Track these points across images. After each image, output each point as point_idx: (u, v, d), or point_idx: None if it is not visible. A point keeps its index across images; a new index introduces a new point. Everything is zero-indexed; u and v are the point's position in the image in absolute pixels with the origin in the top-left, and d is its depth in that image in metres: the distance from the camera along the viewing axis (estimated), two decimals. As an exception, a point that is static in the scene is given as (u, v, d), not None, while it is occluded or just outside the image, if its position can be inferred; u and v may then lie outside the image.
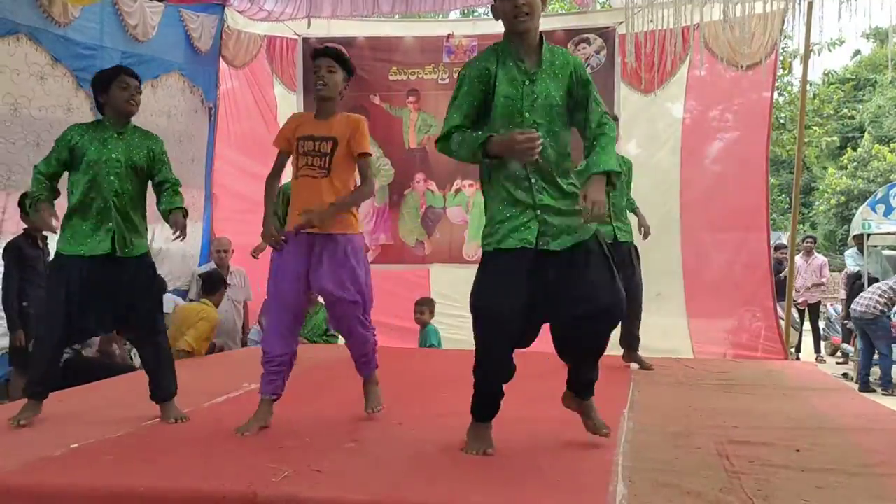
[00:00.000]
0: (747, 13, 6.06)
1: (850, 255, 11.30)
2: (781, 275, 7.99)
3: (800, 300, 9.74)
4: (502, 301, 2.48)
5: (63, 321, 3.07)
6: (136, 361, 5.33)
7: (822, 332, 10.64)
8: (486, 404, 2.69)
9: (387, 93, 7.50)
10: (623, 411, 3.39)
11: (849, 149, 21.03)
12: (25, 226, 4.81)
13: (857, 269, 10.41)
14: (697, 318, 6.69)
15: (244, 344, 6.49)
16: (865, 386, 8.16)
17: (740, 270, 6.70)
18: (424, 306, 6.15)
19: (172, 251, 6.81)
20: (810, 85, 12.99)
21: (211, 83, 7.35)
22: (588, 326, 2.55)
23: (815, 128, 16.06)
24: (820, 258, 10.53)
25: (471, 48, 7.37)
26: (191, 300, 6.60)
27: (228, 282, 6.53)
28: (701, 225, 6.69)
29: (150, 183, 3.31)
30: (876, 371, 8.51)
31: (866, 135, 21.12)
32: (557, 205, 2.54)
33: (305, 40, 7.54)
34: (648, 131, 7.06)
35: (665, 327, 6.32)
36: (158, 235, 6.56)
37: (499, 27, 8.12)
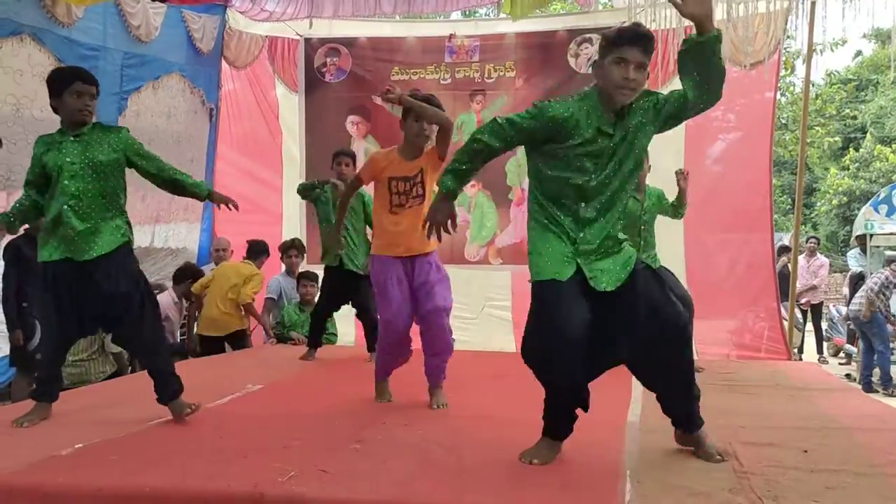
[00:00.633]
0: (750, 12, 6.06)
1: (853, 255, 11.31)
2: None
3: (802, 301, 9.72)
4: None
5: (56, 324, 3.08)
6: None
7: (824, 333, 10.63)
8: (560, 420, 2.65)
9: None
10: (628, 413, 3.37)
11: (851, 149, 21.02)
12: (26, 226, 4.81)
13: (859, 269, 10.40)
14: (700, 319, 6.63)
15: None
16: (868, 387, 8.15)
17: (743, 271, 6.69)
18: None
19: (173, 252, 6.83)
20: (813, 85, 12.99)
21: (212, 84, 7.35)
22: (657, 347, 2.48)
23: (817, 128, 16.05)
24: (820, 259, 10.50)
25: (472, 48, 7.37)
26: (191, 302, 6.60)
27: None
28: (704, 226, 6.68)
29: (131, 177, 3.26)
30: (877, 371, 8.51)
31: (868, 135, 21.11)
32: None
33: (307, 41, 7.54)
34: (650, 132, 7.04)
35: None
36: (157, 236, 6.58)
37: (501, 27, 8.08)
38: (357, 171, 4.03)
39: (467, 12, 11.58)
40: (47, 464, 2.50)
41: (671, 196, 4.93)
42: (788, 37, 6.75)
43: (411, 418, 3.21)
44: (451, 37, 7.39)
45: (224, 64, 7.48)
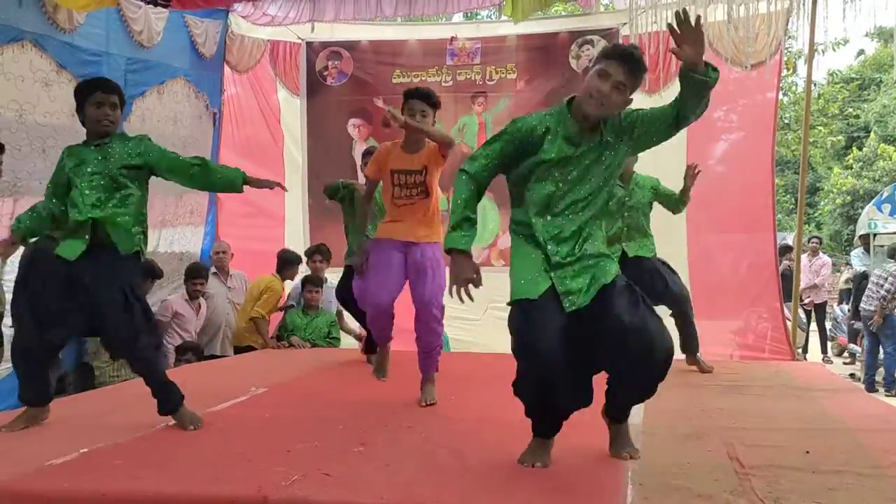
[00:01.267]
0: (751, 13, 6.06)
1: (857, 255, 11.30)
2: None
3: (805, 300, 9.71)
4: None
5: (45, 324, 3.06)
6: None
7: (828, 333, 10.62)
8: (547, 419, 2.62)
9: (390, 96, 7.50)
10: (631, 413, 3.37)
11: (854, 148, 20.96)
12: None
13: (863, 269, 10.38)
14: (703, 320, 6.65)
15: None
16: (871, 386, 8.14)
17: (746, 271, 6.68)
18: None
19: (178, 256, 6.84)
20: (815, 85, 12.96)
21: (215, 88, 7.38)
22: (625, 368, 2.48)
23: (819, 128, 16.04)
24: (822, 259, 10.48)
25: (474, 51, 7.38)
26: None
27: (229, 285, 6.55)
28: (706, 226, 6.67)
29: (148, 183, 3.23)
30: (880, 371, 8.50)
31: (872, 134, 21.05)
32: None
33: (309, 44, 7.56)
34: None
35: (671, 328, 6.30)
36: (163, 239, 6.59)
37: (502, 29, 8.09)
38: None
39: (469, 14, 11.60)
40: (51, 469, 2.51)
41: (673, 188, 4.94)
42: (790, 37, 6.74)
43: (415, 421, 3.22)
44: (452, 39, 7.40)
45: (226, 68, 7.50)
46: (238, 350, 6.14)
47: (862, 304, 8.64)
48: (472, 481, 2.39)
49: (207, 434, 3.04)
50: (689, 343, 4.82)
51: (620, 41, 6.98)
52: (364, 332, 5.31)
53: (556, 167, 2.50)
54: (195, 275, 6.15)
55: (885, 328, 8.27)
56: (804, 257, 9.31)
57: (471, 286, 2.56)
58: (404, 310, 4.06)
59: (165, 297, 6.26)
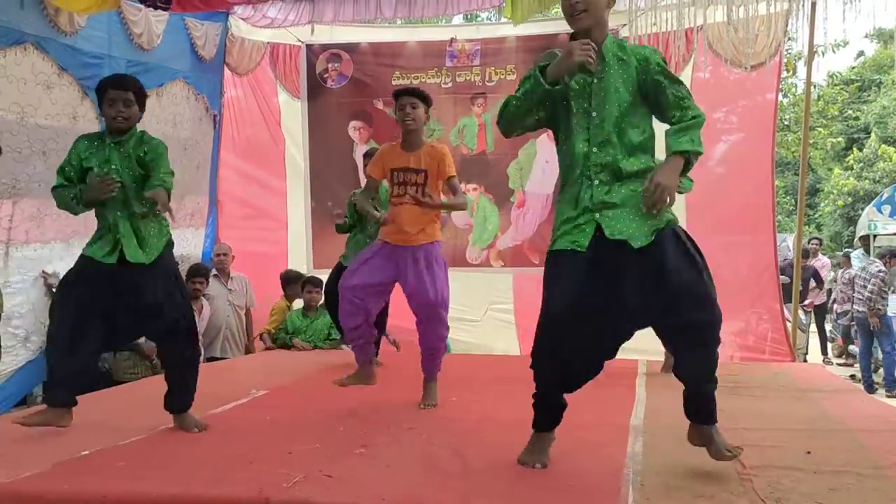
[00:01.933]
0: (751, 14, 6.06)
1: (857, 256, 11.29)
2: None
3: (805, 301, 9.72)
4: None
5: (79, 323, 3.04)
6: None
7: (828, 334, 10.62)
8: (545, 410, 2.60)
9: (390, 98, 7.47)
10: (631, 415, 3.38)
11: (854, 149, 20.97)
12: None
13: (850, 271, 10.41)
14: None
15: (248, 351, 6.49)
16: (870, 387, 8.15)
17: (746, 272, 6.68)
18: None
19: (180, 258, 6.83)
20: (814, 86, 12.97)
21: (215, 91, 7.38)
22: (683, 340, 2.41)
23: (819, 129, 16.03)
24: (822, 260, 10.47)
25: (473, 52, 7.39)
26: None
27: (230, 287, 6.55)
28: (706, 227, 6.65)
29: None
30: (880, 372, 8.51)
31: (872, 135, 21.06)
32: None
33: (309, 47, 7.57)
34: (652, 133, 7.06)
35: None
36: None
37: (501, 31, 8.10)
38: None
39: (468, 16, 11.61)
40: (52, 471, 2.52)
41: None
42: (789, 38, 6.75)
43: (416, 422, 3.22)
44: (451, 41, 7.41)
45: (226, 70, 7.51)
46: None
47: (854, 306, 8.68)
48: (474, 482, 2.39)
49: (209, 436, 3.05)
50: None
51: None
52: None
53: (575, 98, 2.54)
54: (195, 274, 6.16)
55: (881, 328, 8.29)
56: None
57: None
58: (405, 310, 4.06)
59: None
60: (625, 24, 6.77)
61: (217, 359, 6.14)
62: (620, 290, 2.37)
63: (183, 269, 6.56)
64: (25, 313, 5.13)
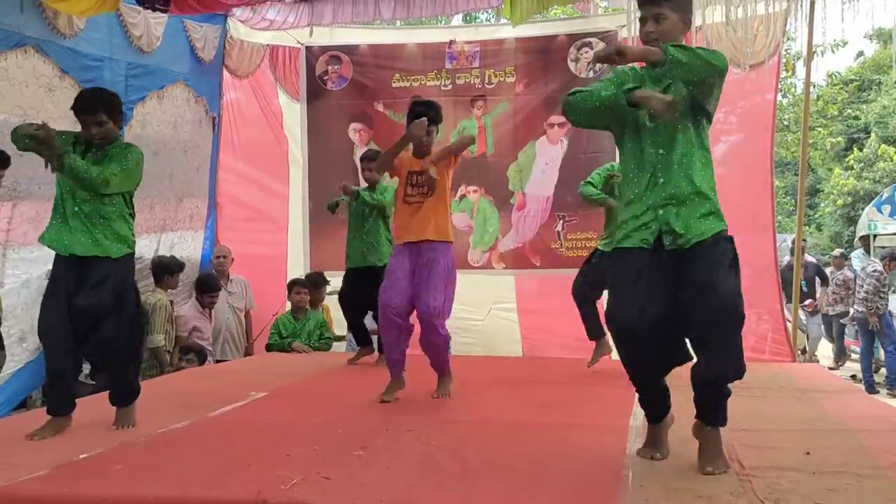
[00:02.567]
0: (749, 14, 6.06)
1: (857, 256, 11.30)
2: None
3: (806, 303, 9.70)
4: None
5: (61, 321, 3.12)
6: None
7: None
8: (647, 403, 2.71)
9: (390, 100, 7.52)
10: (631, 416, 3.37)
11: (854, 149, 20.97)
12: None
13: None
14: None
15: (247, 353, 6.49)
16: (871, 388, 8.15)
17: (746, 273, 6.64)
18: None
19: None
20: (814, 86, 12.96)
21: (214, 93, 7.38)
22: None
23: (819, 129, 16.01)
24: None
25: (473, 54, 7.39)
26: None
27: (229, 289, 6.56)
28: (706, 228, 6.67)
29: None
30: (882, 371, 8.51)
31: (872, 135, 21.05)
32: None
33: (308, 49, 7.57)
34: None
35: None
36: (163, 244, 6.59)
37: (500, 32, 8.06)
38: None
39: (467, 18, 11.61)
40: (51, 474, 2.51)
41: None
42: (788, 38, 6.76)
43: (415, 424, 3.22)
44: (451, 43, 7.41)
45: (225, 73, 7.51)
46: None
47: (855, 306, 8.71)
48: (473, 484, 2.39)
49: (207, 438, 3.05)
50: None
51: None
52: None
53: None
54: (207, 289, 6.22)
55: (882, 327, 8.30)
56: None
57: None
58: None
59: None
60: (623, 25, 6.78)
61: (216, 361, 6.15)
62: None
63: (188, 274, 6.60)
64: (21, 314, 5.13)
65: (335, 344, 6.35)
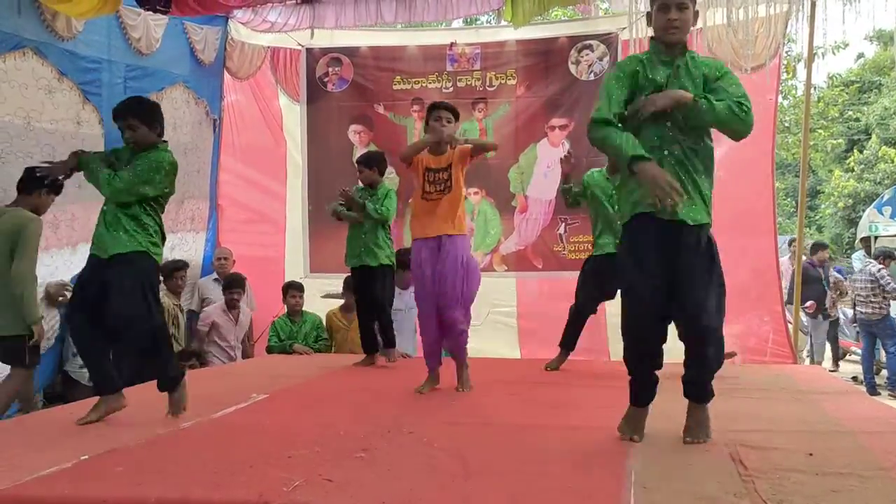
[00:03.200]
0: (750, 17, 6.07)
1: (858, 257, 11.28)
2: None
3: (806, 304, 9.68)
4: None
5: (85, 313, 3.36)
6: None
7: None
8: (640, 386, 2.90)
9: (391, 102, 7.53)
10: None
11: (855, 151, 20.96)
12: None
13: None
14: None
15: (245, 355, 6.48)
16: (872, 389, 8.15)
17: (747, 275, 6.66)
18: None
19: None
20: (814, 88, 12.97)
21: (215, 95, 7.39)
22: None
23: (820, 131, 16.04)
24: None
25: (474, 56, 7.40)
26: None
27: None
28: (707, 229, 6.67)
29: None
30: (884, 373, 8.50)
31: (873, 137, 21.05)
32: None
33: (309, 51, 7.58)
34: (652, 136, 7.06)
35: (672, 332, 6.30)
36: (164, 246, 6.58)
37: (501, 35, 8.08)
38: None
39: (468, 20, 11.60)
40: (52, 476, 2.50)
41: None
42: (789, 40, 6.75)
43: (416, 426, 3.21)
44: (452, 45, 7.41)
45: (226, 75, 7.52)
46: None
47: (857, 308, 8.70)
48: (474, 486, 2.38)
49: (209, 440, 3.04)
50: None
51: (620, 46, 7.00)
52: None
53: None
54: (231, 285, 6.22)
55: (884, 328, 8.30)
56: (786, 259, 9.24)
57: None
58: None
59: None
60: (624, 28, 6.78)
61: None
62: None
63: (191, 274, 6.60)
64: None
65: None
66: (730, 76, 2.80)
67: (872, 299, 8.38)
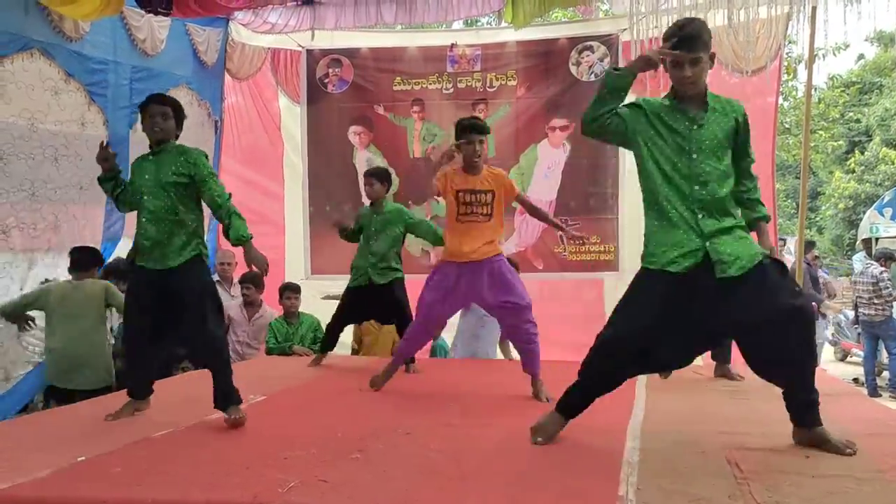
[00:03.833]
0: (751, 18, 6.07)
1: (859, 259, 11.28)
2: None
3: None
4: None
5: (136, 324, 3.39)
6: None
7: (831, 338, 10.58)
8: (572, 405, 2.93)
9: (391, 103, 7.54)
10: (629, 418, 3.37)
11: (856, 152, 20.95)
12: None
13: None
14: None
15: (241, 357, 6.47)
16: (874, 391, 8.13)
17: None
18: None
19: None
20: (815, 89, 12.97)
21: (216, 96, 7.41)
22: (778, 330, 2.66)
23: (820, 132, 16.02)
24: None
25: (474, 57, 7.40)
26: None
27: (232, 294, 6.56)
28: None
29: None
30: (885, 374, 8.49)
31: (874, 138, 21.04)
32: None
33: (309, 52, 7.59)
34: (653, 138, 7.06)
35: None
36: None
37: (502, 36, 8.08)
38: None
39: (469, 22, 11.62)
40: (50, 477, 2.51)
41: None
42: (790, 42, 6.76)
43: (412, 427, 3.21)
44: (452, 46, 7.42)
45: (226, 76, 7.53)
46: None
47: (860, 310, 8.69)
48: (470, 487, 2.39)
49: (205, 441, 3.04)
50: (724, 351, 4.75)
51: (620, 47, 7.00)
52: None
53: (684, 139, 2.91)
54: (242, 280, 6.21)
55: (887, 329, 8.29)
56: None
57: None
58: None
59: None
60: (625, 29, 6.79)
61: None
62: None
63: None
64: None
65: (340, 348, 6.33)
66: (749, 133, 2.98)
67: (875, 301, 8.37)
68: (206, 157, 3.43)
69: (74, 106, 5.46)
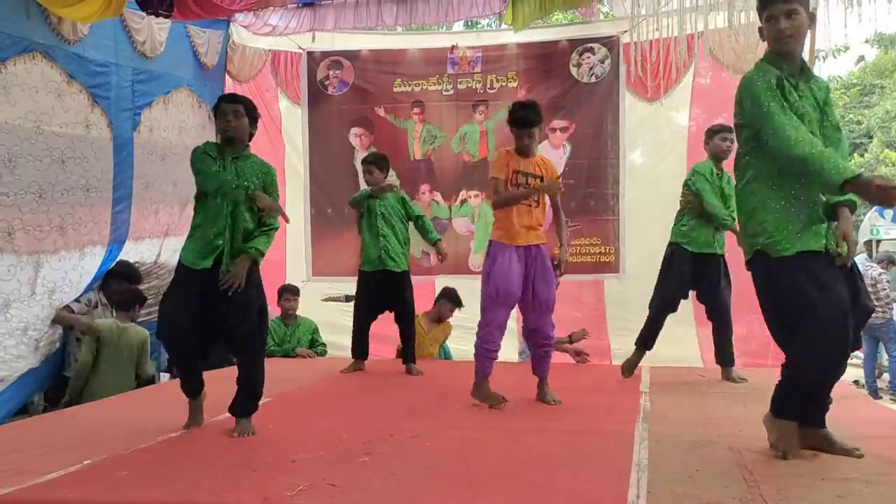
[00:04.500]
0: (752, 20, 6.06)
1: (860, 261, 11.29)
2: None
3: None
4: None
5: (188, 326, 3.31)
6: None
7: None
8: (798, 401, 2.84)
9: (391, 104, 7.53)
10: (637, 421, 3.36)
11: (856, 155, 20.95)
12: None
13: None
14: (706, 326, 6.64)
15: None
16: (874, 393, 8.14)
17: (749, 278, 6.65)
18: None
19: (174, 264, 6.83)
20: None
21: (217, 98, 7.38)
22: None
23: (820, 134, 16.02)
24: None
25: (475, 59, 7.40)
26: None
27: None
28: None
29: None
30: (885, 377, 8.49)
31: (875, 140, 21.04)
32: None
33: (310, 54, 7.58)
34: (654, 139, 7.06)
35: (673, 336, 6.29)
36: (165, 249, 6.59)
37: (502, 38, 8.08)
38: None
39: (469, 23, 11.62)
40: (56, 481, 2.51)
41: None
42: (790, 43, 6.73)
43: (420, 430, 3.21)
44: (453, 48, 7.42)
45: (227, 78, 7.52)
46: None
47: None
48: (477, 490, 2.38)
49: (212, 444, 3.03)
50: (728, 354, 4.75)
51: (621, 49, 7.00)
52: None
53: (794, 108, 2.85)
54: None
55: (888, 332, 8.29)
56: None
57: None
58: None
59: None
60: (625, 31, 6.79)
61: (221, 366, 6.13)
62: None
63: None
64: (40, 324, 5.10)
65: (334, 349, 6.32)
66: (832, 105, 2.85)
67: (875, 303, 8.39)
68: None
69: (78, 108, 5.44)
